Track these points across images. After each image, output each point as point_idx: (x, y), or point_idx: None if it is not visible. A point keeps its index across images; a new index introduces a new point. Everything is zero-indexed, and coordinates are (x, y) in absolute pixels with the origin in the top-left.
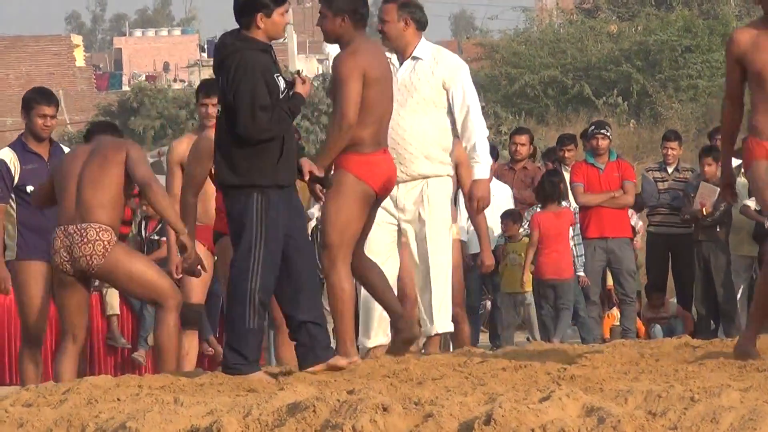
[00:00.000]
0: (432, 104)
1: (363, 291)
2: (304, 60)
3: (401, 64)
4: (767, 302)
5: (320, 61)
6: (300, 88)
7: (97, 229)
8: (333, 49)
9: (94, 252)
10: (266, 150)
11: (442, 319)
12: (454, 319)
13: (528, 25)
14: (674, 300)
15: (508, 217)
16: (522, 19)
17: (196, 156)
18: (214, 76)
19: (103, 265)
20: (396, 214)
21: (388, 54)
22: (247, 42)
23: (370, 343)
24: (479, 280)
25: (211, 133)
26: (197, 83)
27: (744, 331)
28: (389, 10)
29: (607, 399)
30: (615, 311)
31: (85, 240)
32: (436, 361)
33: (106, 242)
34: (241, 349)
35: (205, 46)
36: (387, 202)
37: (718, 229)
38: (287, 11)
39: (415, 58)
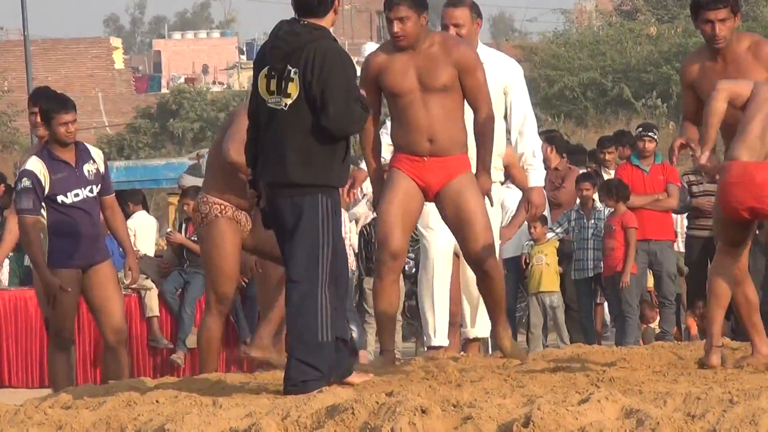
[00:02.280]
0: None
1: (435, 289)
2: None
3: None
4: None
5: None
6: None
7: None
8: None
9: None
10: (339, 148)
11: (483, 323)
12: None
13: (567, 27)
14: None
15: (537, 219)
16: (561, 21)
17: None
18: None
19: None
20: None
21: None
22: (324, 31)
23: (436, 342)
24: (515, 283)
25: None
26: (236, 85)
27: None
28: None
29: (645, 401)
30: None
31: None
32: (474, 364)
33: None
34: (310, 361)
35: (244, 49)
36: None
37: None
38: None
39: None
